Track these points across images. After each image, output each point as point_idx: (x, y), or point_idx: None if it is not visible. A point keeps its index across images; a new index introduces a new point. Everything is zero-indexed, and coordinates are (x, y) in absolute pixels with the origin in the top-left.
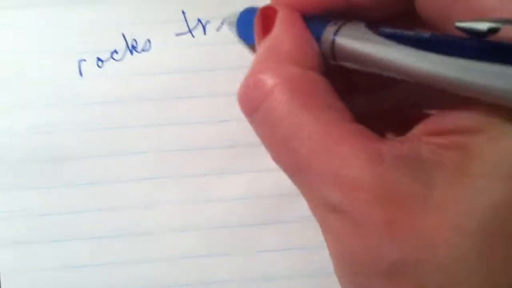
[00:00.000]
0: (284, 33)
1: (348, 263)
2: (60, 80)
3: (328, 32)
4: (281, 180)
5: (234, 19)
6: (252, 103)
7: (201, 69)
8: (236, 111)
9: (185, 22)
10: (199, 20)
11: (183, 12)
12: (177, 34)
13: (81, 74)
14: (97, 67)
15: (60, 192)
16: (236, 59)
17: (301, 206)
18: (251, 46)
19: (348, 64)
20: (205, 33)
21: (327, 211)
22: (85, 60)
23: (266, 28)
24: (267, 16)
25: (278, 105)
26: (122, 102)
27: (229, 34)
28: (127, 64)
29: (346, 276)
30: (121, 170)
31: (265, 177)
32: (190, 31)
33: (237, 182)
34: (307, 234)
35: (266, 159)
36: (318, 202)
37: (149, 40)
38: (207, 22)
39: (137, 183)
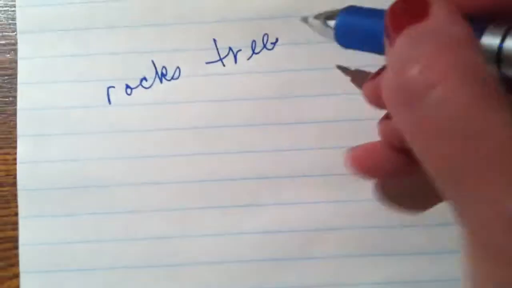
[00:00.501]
0: (451, 18)
1: None
2: (89, 107)
3: (493, 34)
4: (310, 214)
5: (327, 18)
6: (415, 91)
7: (231, 98)
8: (265, 142)
9: (215, 51)
10: (230, 49)
11: (214, 40)
12: (207, 63)
13: (109, 101)
14: (126, 95)
15: (88, 219)
16: (266, 88)
17: (331, 244)
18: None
19: None
20: (236, 62)
21: (506, 229)
22: (114, 87)
23: (412, 18)
24: (415, 5)
25: (455, 95)
26: (150, 130)
27: (260, 63)
28: (156, 92)
29: None
30: (147, 199)
31: (294, 210)
32: (220, 59)
33: (265, 216)
34: (338, 272)
35: (294, 193)
36: (494, 216)
37: (178, 68)
38: (238, 50)
39: (162, 213)
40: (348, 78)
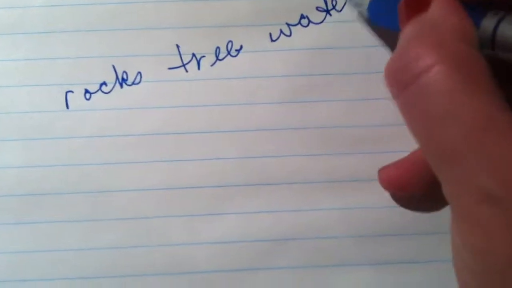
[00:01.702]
0: (446, 10)
1: (491, 261)
2: (46, 112)
3: (489, 20)
4: (272, 224)
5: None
6: (407, 76)
7: (193, 104)
8: (228, 149)
9: (178, 56)
10: (193, 55)
11: (177, 46)
12: (170, 68)
13: (67, 106)
14: (85, 99)
15: (46, 228)
16: (230, 94)
17: (294, 254)
18: (383, 32)
19: (507, 56)
20: (199, 68)
21: (479, 201)
22: (72, 92)
23: (418, 9)
24: None
25: (440, 80)
26: (109, 136)
27: (224, 70)
28: (116, 97)
29: (479, 274)
30: (106, 207)
31: (256, 219)
32: (183, 65)
33: (226, 224)
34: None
35: (257, 201)
36: (468, 190)
37: (140, 73)
38: (202, 56)
39: (121, 221)
40: (310, 88)
